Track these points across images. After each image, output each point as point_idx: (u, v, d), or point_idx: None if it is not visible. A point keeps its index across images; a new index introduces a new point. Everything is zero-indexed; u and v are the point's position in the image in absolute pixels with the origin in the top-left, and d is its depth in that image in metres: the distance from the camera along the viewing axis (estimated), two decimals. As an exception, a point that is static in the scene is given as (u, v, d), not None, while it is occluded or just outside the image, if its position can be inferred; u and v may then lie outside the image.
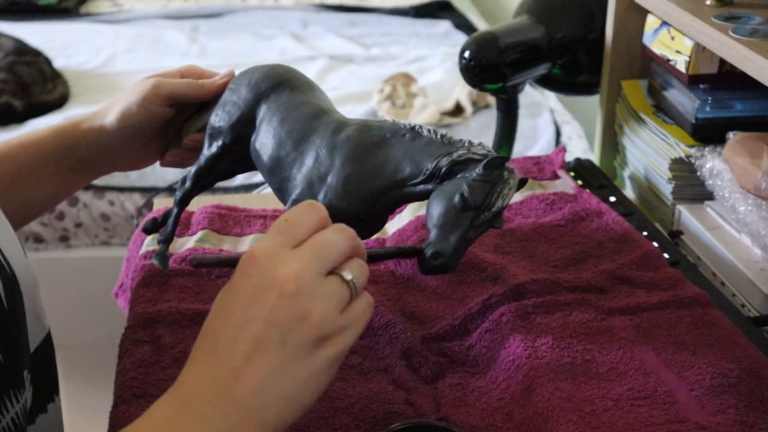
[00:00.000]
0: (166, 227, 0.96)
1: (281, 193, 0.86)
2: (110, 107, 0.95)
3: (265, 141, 0.86)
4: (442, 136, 0.79)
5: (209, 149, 0.91)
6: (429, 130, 0.80)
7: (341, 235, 0.63)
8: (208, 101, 0.95)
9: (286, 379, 0.59)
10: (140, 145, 0.96)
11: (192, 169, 0.93)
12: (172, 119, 0.96)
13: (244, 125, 0.88)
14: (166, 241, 0.96)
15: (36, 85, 2.28)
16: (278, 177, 0.85)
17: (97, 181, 2.03)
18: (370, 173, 0.79)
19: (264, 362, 0.59)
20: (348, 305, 0.62)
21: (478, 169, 0.75)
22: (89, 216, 2.07)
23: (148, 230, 0.98)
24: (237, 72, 0.94)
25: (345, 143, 0.81)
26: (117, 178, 2.05)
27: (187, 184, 0.93)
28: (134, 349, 0.87)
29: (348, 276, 0.62)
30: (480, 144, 0.78)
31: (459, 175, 0.76)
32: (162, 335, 0.89)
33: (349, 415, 0.78)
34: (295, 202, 0.83)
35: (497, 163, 0.75)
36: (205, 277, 0.99)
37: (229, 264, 0.67)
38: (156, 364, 0.85)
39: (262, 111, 0.87)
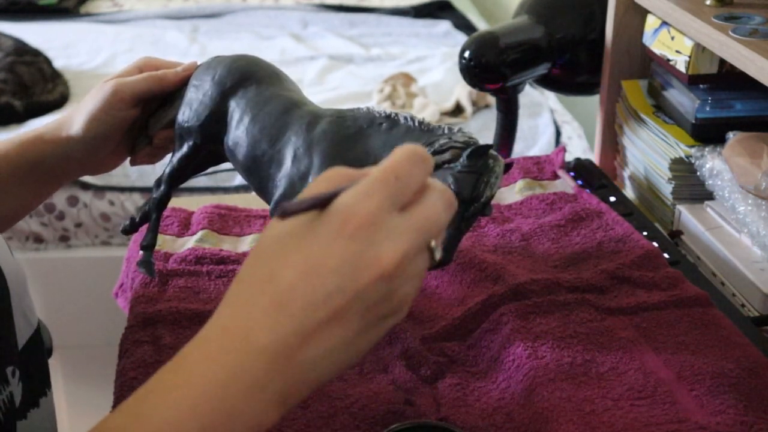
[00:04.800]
0: (146, 233, 0.94)
1: (262, 192, 0.85)
2: (73, 117, 0.92)
3: (238, 140, 0.85)
4: (420, 122, 0.78)
5: (180, 150, 0.89)
6: (405, 117, 0.79)
7: (448, 212, 0.56)
8: (171, 93, 0.93)
9: (351, 350, 0.55)
10: (110, 149, 0.94)
11: (166, 171, 0.91)
12: (138, 117, 0.94)
13: (214, 124, 0.87)
14: (149, 248, 0.94)
15: (36, 85, 2.28)
16: (257, 176, 0.84)
17: (97, 181, 2.04)
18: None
19: (337, 334, 0.53)
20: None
21: (463, 160, 0.74)
22: (89, 216, 2.07)
23: (126, 231, 0.96)
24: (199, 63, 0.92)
25: (321, 139, 0.79)
26: (117, 178, 2.05)
27: (162, 187, 0.92)
28: (134, 349, 0.87)
29: (438, 255, 0.56)
30: (460, 130, 0.77)
31: (444, 166, 0.75)
32: (162, 335, 0.89)
33: (349, 415, 0.78)
34: (278, 203, 0.81)
35: (481, 152, 0.74)
36: (205, 277, 0.99)
37: (319, 205, 0.55)
38: (156, 364, 0.85)
39: (231, 107, 0.86)
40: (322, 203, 0.54)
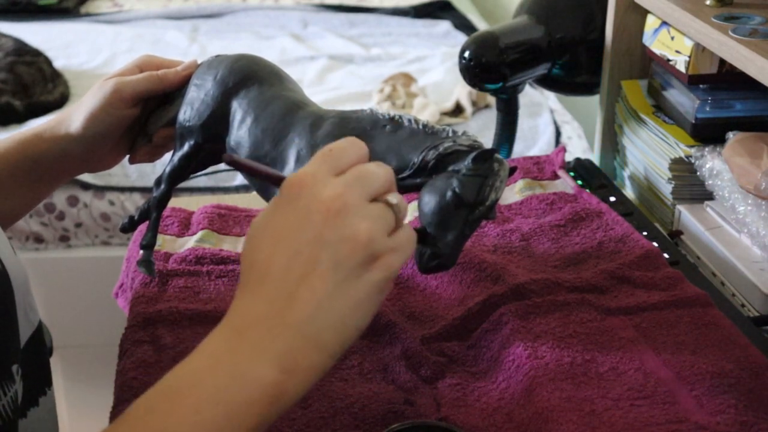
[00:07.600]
0: (146, 232, 0.94)
1: (264, 193, 0.85)
2: (73, 114, 0.92)
3: (240, 141, 0.85)
4: (424, 125, 0.78)
5: (181, 149, 0.89)
6: (409, 120, 0.79)
7: (382, 169, 0.63)
8: (171, 92, 0.93)
9: (341, 301, 0.59)
10: (109, 147, 0.94)
11: (166, 170, 0.91)
12: (138, 116, 0.94)
13: (216, 124, 0.87)
14: (149, 247, 0.94)
15: (36, 85, 2.28)
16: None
17: (97, 181, 2.04)
18: None
19: (318, 286, 0.59)
20: (394, 230, 0.62)
21: (467, 164, 0.74)
22: (89, 216, 2.07)
23: (125, 229, 0.96)
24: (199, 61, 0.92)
25: (325, 140, 0.79)
26: (117, 178, 2.05)
27: (163, 186, 0.92)
28: (134, 349, 0.87)
29: (393, 200, 0.62)
30: (464, 133, 0.77)
31: (449, 168, 0.75)
32: (162, 335, 0.89)
33: (349, 415, 0.78)
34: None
35: (486, 156, 0.74)
36: (205, 277, 0.99)
37: (268, 178, 0.66)
38: (156, 364, 0.85)
39: (233, 108, 0.86)
40: (267, 174, 0.66)
